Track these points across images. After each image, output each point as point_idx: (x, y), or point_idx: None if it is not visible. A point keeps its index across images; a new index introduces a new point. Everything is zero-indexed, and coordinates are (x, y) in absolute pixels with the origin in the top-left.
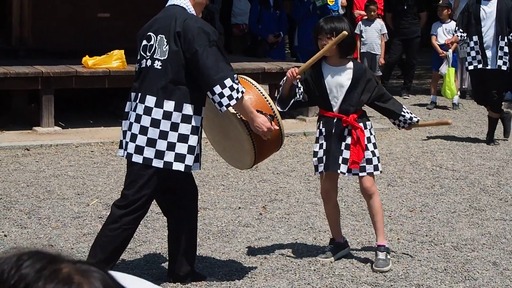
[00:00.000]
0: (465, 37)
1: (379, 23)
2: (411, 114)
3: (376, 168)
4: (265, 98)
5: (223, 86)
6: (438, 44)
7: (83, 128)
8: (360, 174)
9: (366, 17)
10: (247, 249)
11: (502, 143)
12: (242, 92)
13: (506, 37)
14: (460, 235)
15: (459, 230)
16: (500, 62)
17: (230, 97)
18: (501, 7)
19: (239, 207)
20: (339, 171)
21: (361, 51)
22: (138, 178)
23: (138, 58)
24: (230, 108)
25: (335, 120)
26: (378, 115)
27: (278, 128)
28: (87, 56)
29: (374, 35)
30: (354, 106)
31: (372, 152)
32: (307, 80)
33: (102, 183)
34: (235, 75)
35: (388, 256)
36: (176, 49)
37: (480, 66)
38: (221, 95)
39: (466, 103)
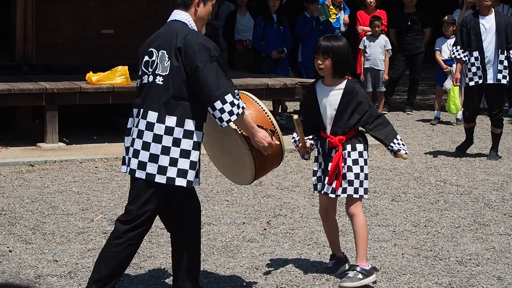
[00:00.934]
0: (467, 56)
1: (383, 39)
2: (401, 145)
3: (356, 191)
4: (266, 113)
5: (224, 102)
6: (442, 59)
7: (87, 144)
8: (342, 195)
9: (370, 32)
10: (251, 264)
11: (506, 158)
12: (243, 107)
13: (505, 51)
14: (465, 250)
15: (464, 245)
16: (499, 76)
17: (231, 113)
18: (499, 21)
19: (244, 222)
20: (322, 192)
21: (365, 66)
22: (142, 194)
23: (140, 73)
24: (231, 124)
25: (327, 141)
26: None
27: (278, 143)
28: (91, 72)
29: (378, 51)
30: (342, 128)
31: (356, 174)
32: (306, 103)
33: (107, 198)
34: (235, 91)
35: (359, 276)
36: (178, 64)
37: (480, 82)
38: (222, 110)
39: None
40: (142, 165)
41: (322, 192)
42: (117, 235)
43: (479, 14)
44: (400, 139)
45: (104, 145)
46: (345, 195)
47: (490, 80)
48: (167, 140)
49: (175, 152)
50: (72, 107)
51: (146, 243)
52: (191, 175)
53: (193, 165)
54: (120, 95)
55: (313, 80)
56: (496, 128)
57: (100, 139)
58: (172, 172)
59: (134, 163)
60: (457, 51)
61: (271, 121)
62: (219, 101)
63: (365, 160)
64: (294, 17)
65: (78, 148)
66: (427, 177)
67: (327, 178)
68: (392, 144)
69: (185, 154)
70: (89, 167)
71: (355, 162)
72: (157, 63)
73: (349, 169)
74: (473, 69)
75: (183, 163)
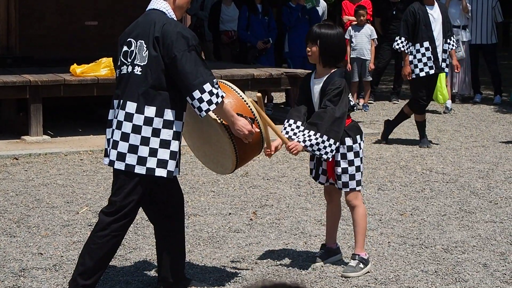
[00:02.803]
0: (411, 46)
1: (368, 28)
2: (303, 136)
3: (345, 185)
4: (245, 101)
5: (203, 91)
6: None
7: (72, 136)
8: (344, 189)
9: (355, 22)
10: (237, 254)
11: (491, 147)
12: (222, 96)
13: (447, 39)
14: (451, 237)
15: (450, 232)
16: (443, 65)
17: (209, 102)
18: (443, 10)
19: (230, 213)
20: (317, 181)
21: (351, 56)
22: (124, 185)
23: (119, 64)
24: (210, 113)
25: None
26: (367, 119)
27: (259, 130)
28: (75, 64)
29: (364, 40)
30: None
31: (344, 169)
32: (301, 94)
33: (92, 191)
34: (214, 80)
35: (361, 265)
36: (155, 54)
37: (432, 71)
38: (201, 100)
39: (455, 107)
40: (121, 156)
41: (317, 181)
42: (101, 226)
43: (426, 4)
44: (316, 140)
45: (89, 137)
46: (347, 189)
47: (443, 68)
48: (146, 131)
49: (154, 143)
50: (56, 100)
51: (131, 234)
52: (171, 165)
53: (173, 155)
54: (104, 87)
55: (299, 70)
56: (419, 115)
57: (85, 132)
58: (151, 162)
59: (113, 154)
60: (401, 42)
61: (251, 109)
62: (197, 91)
63: (356, 153)
64: (279, 7)
65: (63, 140)
66: (413, 166)
67: (320, 168)
68: (303, 130)
69: (164, 144)
70: (74, 160)
71: (343, 156)
72: (135, 53)
73: (337, 163)
74: (424, 59)
75: (163, 153)
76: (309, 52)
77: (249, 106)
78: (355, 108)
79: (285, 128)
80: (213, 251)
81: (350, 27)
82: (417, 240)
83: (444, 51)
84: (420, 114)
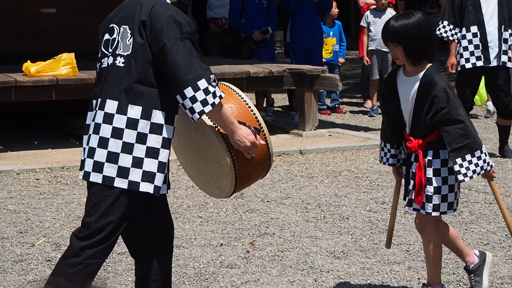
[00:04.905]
0: (458, 32)
1: (391, 14)
2: (471, 170)
3: (435, 208)
4: (250, 108)
5: (196, 89)
6: None
7: (25, 150)
8: (421, 211)
9: (374, 6)
10: None
11: None
12: (220, 97)
13: (509, 28)
14: (495, 272)
15: (494, 266)
16: (504, 58)
17: (204, 102)
18: None
19: (221, 244)
20: (411, 209)
21: (370, 48)
22: (101, 201)
23: (99, 56)
24: (206, 118)
25: (406, 142)
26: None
27: (264, 143)
28: (28, 61)
29: None
30: (421, 128)
31: (437, 188)
32: (384, 98)
33: (51, 218)
34: (211, 76)
35: None
36: (142, 41)
37: (480, 63)
38: (193, 99)
39: None
40: (98, 167)
41: (405, 207)
42: (73, 252)
43: None
44: (478, 158)
45: (47, 151)
46: (423, 212)
47: (493, 62)
48: (129, 135)
49: (139, 151)
50: (6, 105)
51: (100, 271)
52: (159, 179)
53: (162, 167)
54: (65, 89)
55: (305, 66)
56: (506, 120)
57: (42, 144)
58: (135, 175)
59: (89, 165)
60: (443, 27)
61: (256, 118)
62: (190, 88)
63: (451, 169)
64: None
65: (15, 155)
66: None
67: (407, 188)
68: (455, 164)
69: (152, 153)
70: (28, 179)
71: (437, 172)
72: (118, 41)
73: (429, 181)
74: (470, 47)
75: (150, 164)
76: (395, 56)
77: (254, 114)
78: None
79: (385, 156)
80: None
81: (368, 12)
82: (454, 275)
83: (504, 40)
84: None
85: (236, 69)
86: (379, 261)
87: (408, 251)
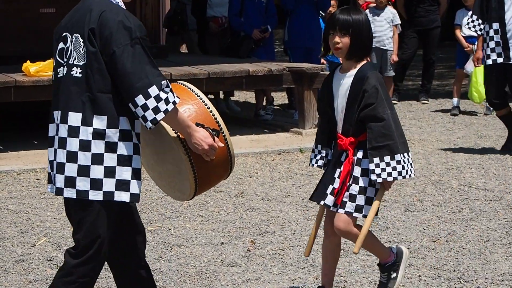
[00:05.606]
0: (485, 27)
1: (390, 12)
2: (386, 172)
3: (358, 209)
4: (209, 109)
5: (147, 96)
6: (463, 36)
7: (26, 150)
8: (339, 210)
9: (373, 4)
10: None
11: None
12: (174, 102)
13: None
14: (496, 269)
15: (494, 263)
16: None
17: (156, 110)
18: None
19: (222, 243)
20: (322, 203)
21: None
22: (85, 217)
23: (54, 65)
24: (163, 122)
25: (337, 141)
26: None
27: (223, 145)
28: (28, 61)
29: (384, 27)
30: (353, 126)
31: (362, 188)
32: (321, 96)
33: (51, 217)
34: (163, 82)
35: (393, 274)
36: (94, 50)
37: (500, 60)
38: (145, 107)
39: None
40: (70, 182)
41: (322, 203)
42: (67, 271)
43: None
44: (397, 162)
45: (47, 151)
46: (342, 211)
47: None
48: (98, 146)
49: (110, 160)
50: (6, 106)
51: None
52: (135, 186)
53: (136, 173)
54: None
55: (305, 64)
56: None
57: (42, 144)
58: (109, 185)
59: (60, 181)
60: (472, 22)
61: (216, 119)
62: (141, 96)
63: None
64: None
65: (15, 156)
66: (448, 181)
67: (330, 187)
68: (371, 162)
69: (124, 160)
70: (29, 179)
71: (364, 172)
72: (71, 50)
73: (355, 180)
74: (491, 44)
75: (123, 172)
76: (339, 44)
77: (213, 115)
78: None
79: (315, 158)
80: None
81: (367, 11)
82: (455, 272)
83: None
84: (498, 110)
85: (236, 68)
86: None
87: (408, 248)
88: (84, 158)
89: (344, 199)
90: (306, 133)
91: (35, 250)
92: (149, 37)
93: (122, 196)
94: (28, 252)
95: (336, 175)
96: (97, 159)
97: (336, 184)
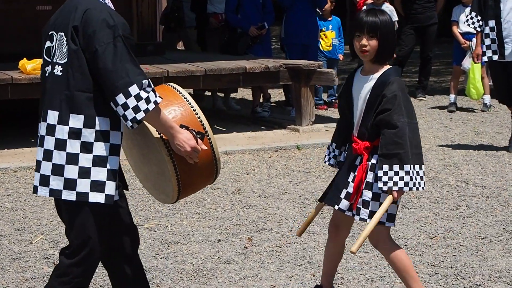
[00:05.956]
0: (482, 24)
1: (387, 9)
2: (393, 180)
3: (371, 215)
4: (195, 111)
5: (128, 95)
6: (460, 32)
7: (22, 148)
8: (355, 217)
9: (371, 1)
10: None
11: None
12: (155, 102)
13: None
14: (493, 265)
15: (492, 259)
16: None
17: (136, 109)
18: None
19: (219, 240)
20: (336, 207)
21: None
22: (75, 217)
23: (42, 64)
24: (147, 123)
25: (352, 145)
26: None
27: (206, 148)
28: (25, 59)
29: None
30: (369, 131)
31: (376, 195)
32: (340, 97)
33: (48, 215)
34: (144, 81)
35: None
36: (75, 48)
37: (495, 57)
38: (125, 106)
39: (496, 104)
40: (44, 180)
41: (336, 207)
42: (62, 271)
43: None
44: (406, 172)
45: None
46: (357, 218)
47: (509, 58)
48: (73, 146)
49: (85, 160)
50: (2, 103)
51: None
52: (110, 187)
53: (112, 174)
54: None
55: (302, 61)
56: None
57: None
58: (83, 185)
59: (36, 179)
60: (471, 18)
61: (201, 121)
62: (121, 94)
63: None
64: None
65: (12, 153)
66: (445, 177)
67: (344, 191)
68: (380, 169)
69: (99, 161)
70: (25, 177)
71: (379, 177)
72: (55, 48)
73: (368, 186)
74: (487, 41)
75: (98, 173)
76: (366, 47)
77: (199, 117)
78: None
79: (328, 155)
80: (199, 287)
81: (364, 7)
82: (452, 269)
83: None
84: (510, 106)
85: (233, 64)
86: (377, 256)
87: (405, 245)
88: (59, 157)
89: (358, 205)
90: (303, 130)
91: (32, 248)
92: (145, 34)
93: (97, 197)
94: (25, 250)
95: (350, 179)
96: (72, 159)
97: (351, 188)
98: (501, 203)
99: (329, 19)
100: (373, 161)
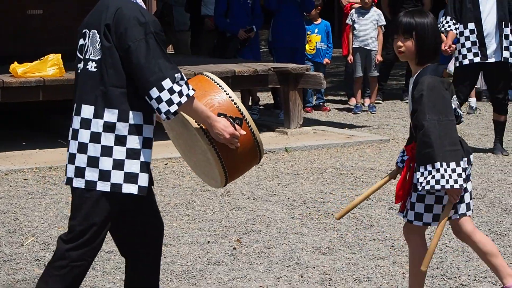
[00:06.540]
0: (459, 27)
1: (375, 13)
2: (428, 179)
3: (418, 217)
4: (231, 98)
5: (161, 89)
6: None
7: (13, 151)
8: (404, 218)
9: (358, 4)
10: None
11: None
12: (188, 95)
13: (510, 24)
14: (478, 266)
15: (477, 260)
16: (506, 54)
17: (169, 102)
18: None
19: (208, 242)
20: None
21: (354, 46)
22: (83, 204)
23: (75, 61)
24: (185, 114)
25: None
26: (375, 123)
27: (245, 133)
28: (15, 63)
29: (369, 27)
30: (413, 132)
31: (421, 196)
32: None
33: (39, 217)
34: (177, 75)
35: None
36: (109, 45)
37: (477, 59)
38: (159, 99)
39: (482, 106)
40: (79, 172)
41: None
42: (59, 255)
43: None
44: (437, 170)
45: (35, 151)
46: (405, 219)
47: (491, 58)
48: (107, 139)
49: (119, 153)
50: None
51: (89, 270)
52: (143, 179)
53: (144, 166)
54: (52, 89)
55: (290, 65)
56: (500, 115)
57: (30, 145)
58: (117, 177)
59: (70, 170)
60: (447, 22)
61: (238, 108)
62: (155, 89)
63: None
64: None
65: (3, 156)
66: None
67: (408, 201)
68: (417, 171)
69: (133, 154)
70: (16, 180)
71: (416, 180)
72: (87, 45)
73: (414, 188)
74: (467, 44)
75: (132, 165)
76: (401, 48)
77: (235, 104)
78: (460, 118)
79: (399, 157)
80: None
81: (353, 11)
82: (438, 270)
83: (505, 36)
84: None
85: (222, 68)
86: (364, 257)
87: (392, 246)
88: (94, 150)
89: (406, 207)
90: (292, 133)
91: (23, 250)
92: None
93: (131, 188)
94: (16, 252)
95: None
96: (106, 151)
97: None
98: (487, 205)
99: (316, 22)
100: None
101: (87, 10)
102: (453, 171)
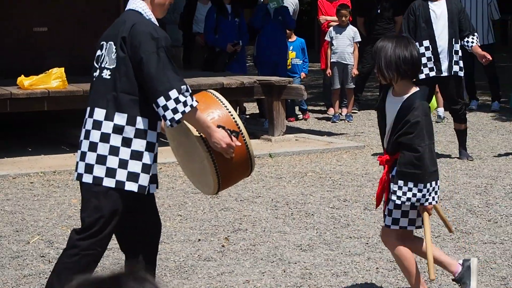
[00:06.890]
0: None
1: (351, 30)
2: (406, 196)
3: (395, 222)
4: (230, 113)
5: (168, 98)
6: None
7: (20, 157)
8: (393, 227)
9: (335, 23)
10: (208, 285)
11: (489, 159)
12: (192, 106)
13: (460, 40)
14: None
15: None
16: (456, 68)
17: (174, 111)
18: (451, 7)
19: (199, 239)
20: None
21: (331, 60)
22: (91, 198)
23: (92, 69)
24: (187, 123)
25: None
26: (351, 131)
27: (241, 144)
28: (22, 75)
29: (345, 43)
30: (391, 144)
31: (397, 205)
32: (379, 108)
33: (44, 218)
34: (183, 87)
35: None
36: (123, 55)
37: (432, 74)
38: (165, 108)
39: (449, 115)
40: (89, 168)
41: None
42: (71, 245)
43: None
44: (419, 190)
45: (40, 157)
46: (383, 224)
47: (445, 72)
48: (115, 140)
49: (125, 153)
50: (2, 116)
51: None
52: (143, 179)
53: (146, 168)
54: (56, 100)
55: (273, 78)
56: (460, 124)
57: (36, 151)
58: (121, 175)
59: (81, 167)
60: (467, 42)
61: (236, 122)
62: (162, 97)
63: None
64: (252, 8)
65: (11, 161)
66: None
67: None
68: (395, 183)
69: (136, 155)
70: (23, 183)
71: (393, 192)
72: (104, 55)
73: (394, 192)
74: (424, 59)
75: (134, 166)
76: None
77: (234, 119)
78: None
79: None
80: (181, 282)
81: (331, 29)
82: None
83: (455, 52)
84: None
85: (211, 80)
86: (341, 253)
87: (367, 243)
88: (103, 149)
89: (384, 213)
90: (275, 140)
91: (29, 247)
92: None
93: (132, 186)
94: (23, 249)
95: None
96: (114, 151)
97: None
98: (453, 205)
99: (291, 40)
100: (393, 174)
101: (87, 28)
102: (433, 189)
